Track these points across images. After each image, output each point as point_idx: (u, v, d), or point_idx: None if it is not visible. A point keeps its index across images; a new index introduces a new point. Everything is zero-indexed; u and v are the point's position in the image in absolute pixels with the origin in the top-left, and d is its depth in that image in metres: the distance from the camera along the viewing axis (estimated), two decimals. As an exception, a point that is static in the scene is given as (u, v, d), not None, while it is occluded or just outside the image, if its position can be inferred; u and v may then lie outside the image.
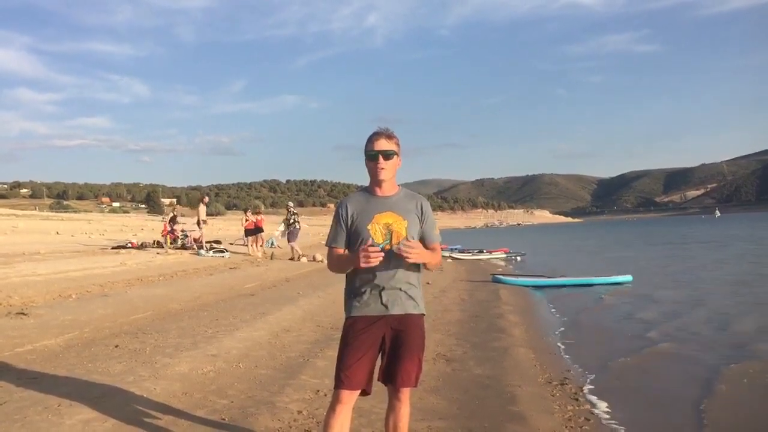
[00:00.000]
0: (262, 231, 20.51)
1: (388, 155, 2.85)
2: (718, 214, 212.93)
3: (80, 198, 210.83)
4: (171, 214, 23.31)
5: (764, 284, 13.94)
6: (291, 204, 20.81)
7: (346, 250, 2.92)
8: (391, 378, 2.87)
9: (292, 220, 19.21)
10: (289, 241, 19.43)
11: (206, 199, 21.62)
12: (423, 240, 2.94)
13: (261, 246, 20.60)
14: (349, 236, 2.91)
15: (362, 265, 2.70)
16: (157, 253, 18.11)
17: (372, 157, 2.85)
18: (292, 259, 18.64)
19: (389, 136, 2.88)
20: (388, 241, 2.84)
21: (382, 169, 2.84)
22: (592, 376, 5.85)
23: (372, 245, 2.72)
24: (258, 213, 20.39)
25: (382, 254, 2.71)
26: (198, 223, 20.62)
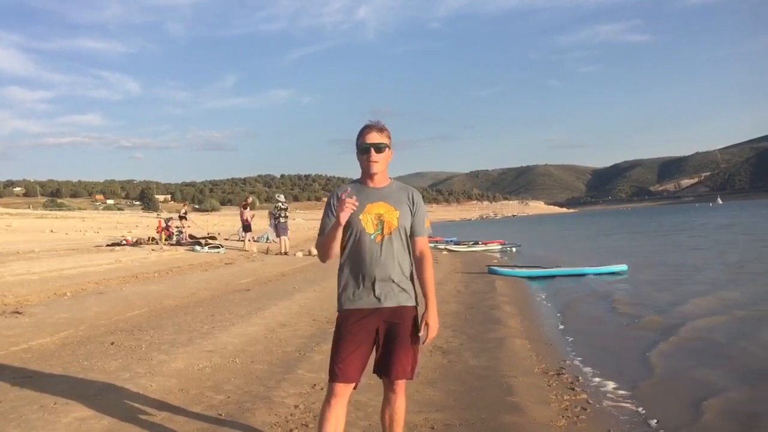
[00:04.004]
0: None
1: (379, 148, 2.85)
2: (719, 201, 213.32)
3: (74, 196, 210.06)
4: (183, 210, 25.46)
5: (755, 268, 14.02)
6: (282, 197, 20.53)
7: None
8: (386, 370, 2.87)
9: (278, 214, 19.00)
10: (278, 235, 19.30)
11: (250, 199, 21.79)
12: (412, 231, 2.94)
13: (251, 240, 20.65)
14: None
15: (340, 214, 2.68)
16: (152, 250, 18.05)
17: (364, 150, 2.85)
18: (279, 253, 18.53)
19: (380, 129, 2.88)
20: (379, 231, 2.84)
21: (375, 162, 2.84)
22: (589, 366, 5.87)
23: (349, 195, 2.70)
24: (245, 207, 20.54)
25: (356, 202, 2.70)
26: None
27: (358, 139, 2.90)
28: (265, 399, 4.37)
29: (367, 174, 2.90)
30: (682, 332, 7.53)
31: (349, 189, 2.78)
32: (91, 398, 4.25)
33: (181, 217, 24.40)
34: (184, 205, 30.61)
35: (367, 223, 2.82)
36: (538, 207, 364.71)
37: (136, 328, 7.00)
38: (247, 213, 20.49)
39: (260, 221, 22.29)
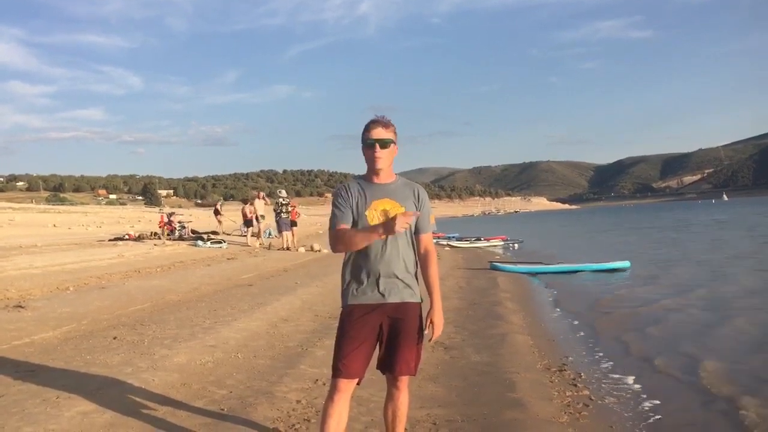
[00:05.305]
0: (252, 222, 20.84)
1: (385, 144, 2.84)
2: (725, 198, 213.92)
3: (77, 190, 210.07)
4: (219, 204, 28.00)
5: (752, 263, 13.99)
6: (283, 192, 20.44)
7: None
8: (390, 366, 2.86)
9: (279, 210, 18.95)
10: (279, 231, 19.25)
11: (262, 194, 21.93)
12: (417, 228, 2.93)
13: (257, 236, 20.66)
14: None
15: (398, 229, 2.56)
16: (155, 245, 18.07)
17: (369, 146, 2.84)
18: (281, 248, 18.50)
19: (386, 125, 2.87)
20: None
21: (379, 157, 2.83)
22: (591, 362, 5.87)
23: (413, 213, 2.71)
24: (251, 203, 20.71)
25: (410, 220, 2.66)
26: (256, 218, 20.84)
27: (363, 134, 2.88)
28: (267, 394, 4.38)
29: (372, 169, 2.89)
30: (685, 327, 7.52)
31: (410, 213, 2.70)
32: (93, 392, 4.26)
33: (216, 212, 26.21)
34: (220, 201, 32.23)
35: (373, 219, 2.81)
36: (540, 203, 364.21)
37: (138, 322, 7.01)
38: (247, 208, 20.50)
39: (269, 216, 22.33)
